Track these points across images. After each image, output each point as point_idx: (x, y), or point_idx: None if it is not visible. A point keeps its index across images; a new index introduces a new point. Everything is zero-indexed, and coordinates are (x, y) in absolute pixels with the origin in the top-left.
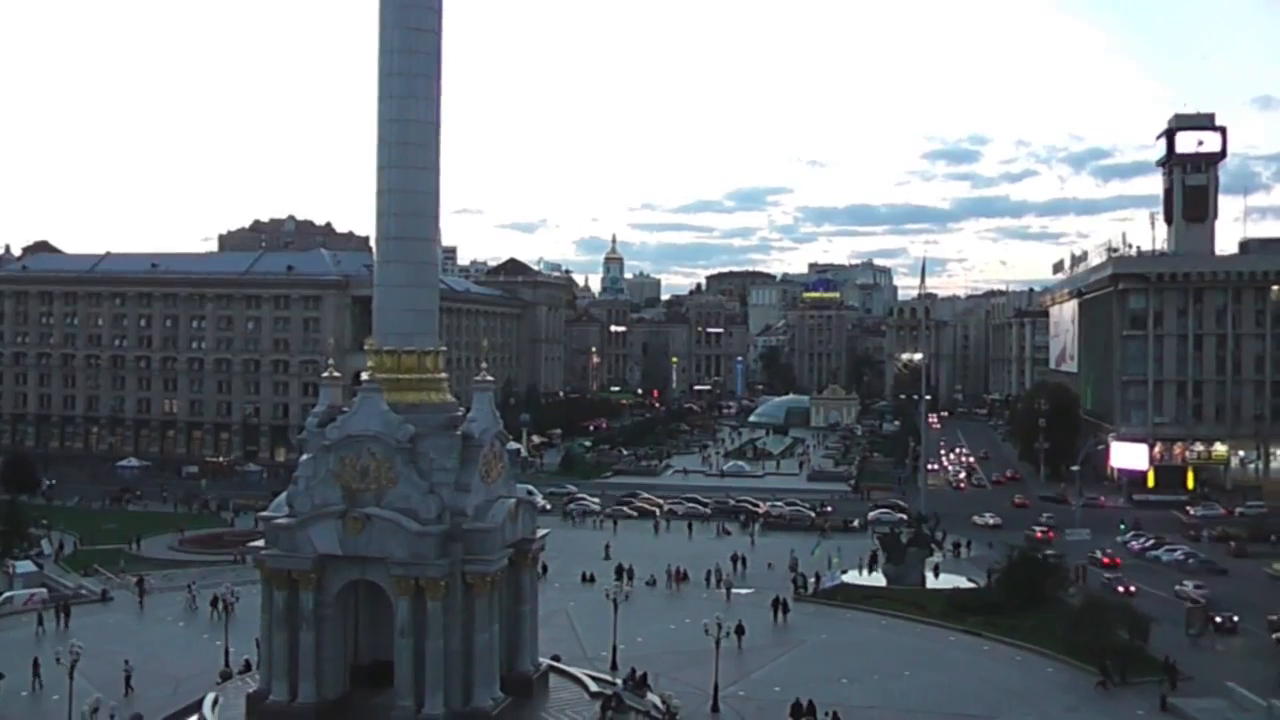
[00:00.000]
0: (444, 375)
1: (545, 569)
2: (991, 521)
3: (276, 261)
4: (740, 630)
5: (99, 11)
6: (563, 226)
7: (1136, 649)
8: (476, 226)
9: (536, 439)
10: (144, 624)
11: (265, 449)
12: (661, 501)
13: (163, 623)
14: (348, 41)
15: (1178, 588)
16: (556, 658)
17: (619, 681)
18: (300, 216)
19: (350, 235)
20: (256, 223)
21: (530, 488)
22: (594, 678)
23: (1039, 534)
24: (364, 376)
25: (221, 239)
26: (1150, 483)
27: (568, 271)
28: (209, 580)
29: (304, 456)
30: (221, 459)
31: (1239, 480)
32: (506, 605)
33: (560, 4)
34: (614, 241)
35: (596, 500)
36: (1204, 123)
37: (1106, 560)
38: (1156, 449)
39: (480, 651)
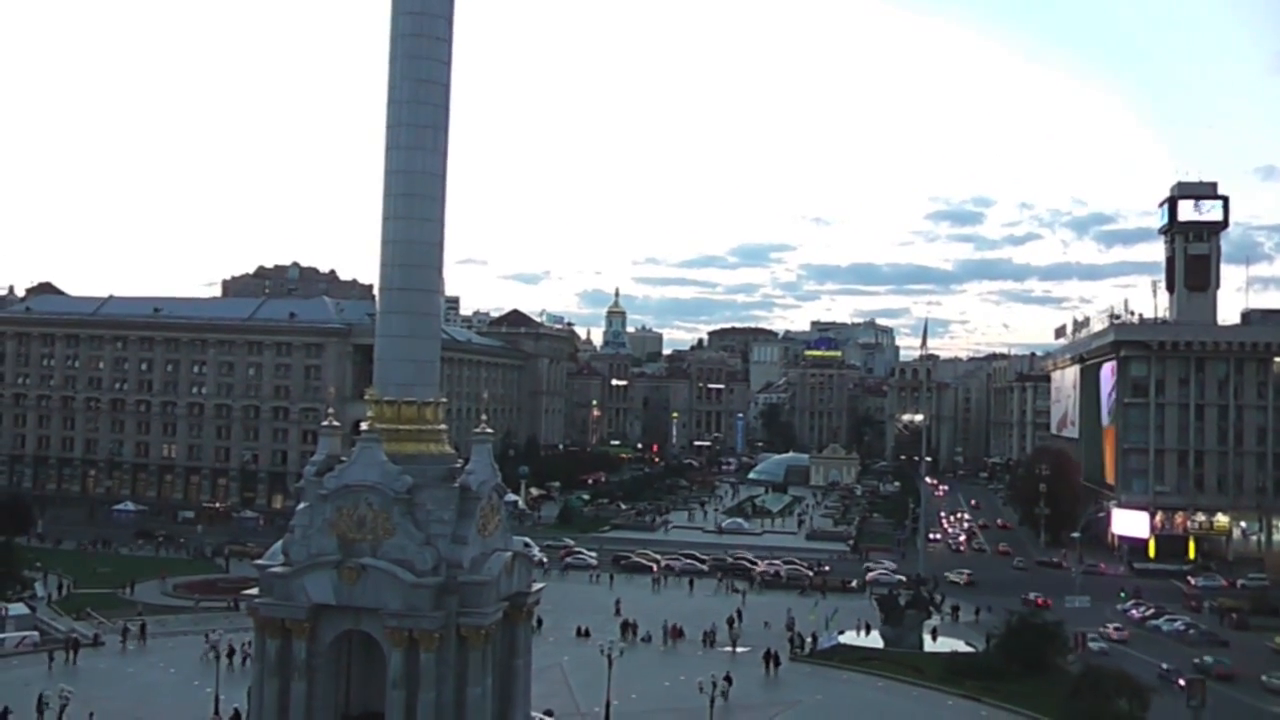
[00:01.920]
0: (443, 426)
1: (540, 623)
2: (964, 579)
3: (279, 308)
4: (729, 680)
5: (105, 54)
6: (566, 278)
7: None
8: (480, 277)
9: (535, 492)
10: (137, 668)
11: (262, 495)
12: (659, 557)
13: (154, 669)
14: (357, 89)
15: (1196, 661)
16: (550, 712)
17: None
18: (304, 263)
19: (354, 283)
20: (260, 268)
21: (527, 540)
22: None
23: (1038, 601)
24: (363, 426)
25: (225, 284)
26: (1151, 552)
27: (570, 324)
28: (202, 627)
29: (301, 505)
30: (218, 504)
31: (1241, 552)
32: (500, 658)
33: (567, 56)
34: (617, 295)
35: (593, 554)
36: (1206, 191)
37: (1115, 637)
38: (1158, 518)
39: (473, 705)
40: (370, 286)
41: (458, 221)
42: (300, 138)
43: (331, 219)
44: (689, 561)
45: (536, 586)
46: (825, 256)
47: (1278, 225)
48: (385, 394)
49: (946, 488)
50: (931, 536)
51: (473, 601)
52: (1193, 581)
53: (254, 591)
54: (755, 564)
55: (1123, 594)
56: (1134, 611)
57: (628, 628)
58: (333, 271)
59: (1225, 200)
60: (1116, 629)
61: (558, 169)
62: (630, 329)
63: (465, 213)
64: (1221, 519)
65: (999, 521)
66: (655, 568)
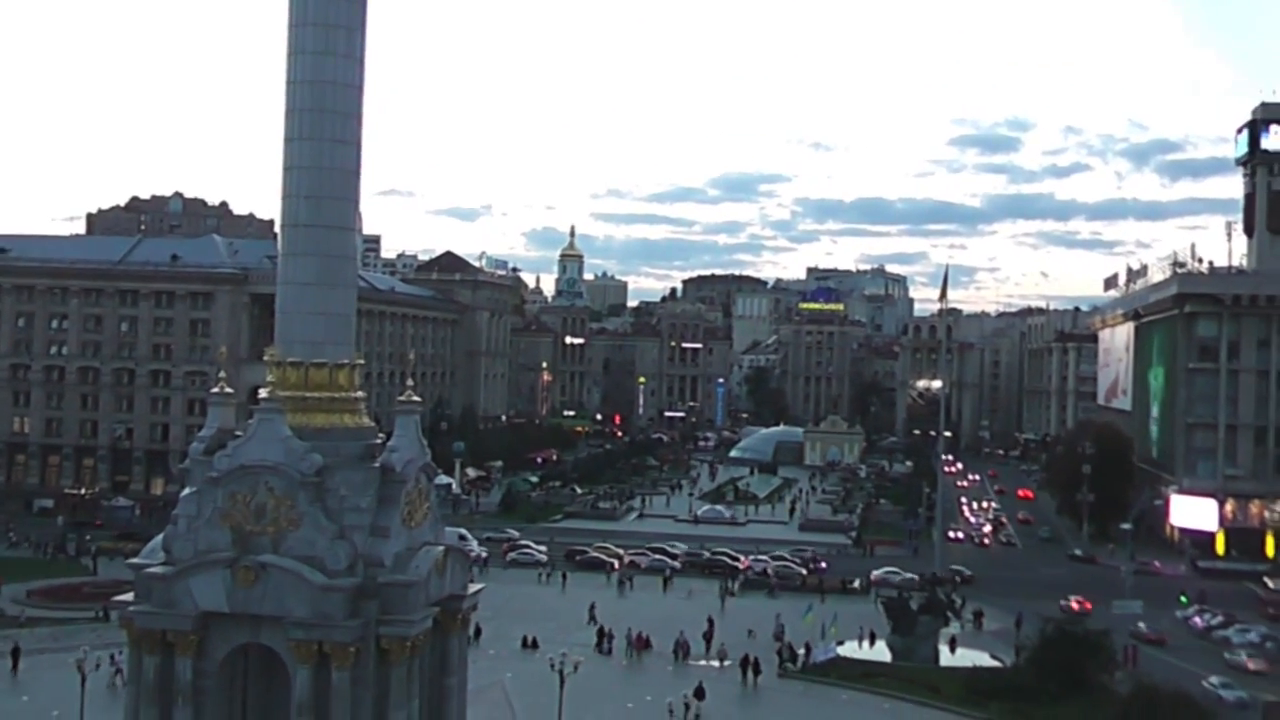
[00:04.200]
0: (361, 394)
1: (479, 632)
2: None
3: (158, 249)
4: (700, 695)
5: None
6: (510, 215)
7: None
8: (406, 212)
9: (472, 473)
10: None
11: (138, 479)
12: (622, 552)
13: (3, 695)
14: None
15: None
16: None
17: None
18: (188, 194)
19: (250, 219)
20: (134, 200)
21: (463, 532)
22: None
23: (1074, 604)
24: (263, 394)
25: (90, 219)
26: (1219, 548)
27: (515, 270)
28: (64, 643)
29: (186, 491)
30: (84, 491)
31: None
32: (429, 676)
33: None
34: (572, 235)
35: (543, 549)
36: None
37: (1152, 637)
38: (1228, 507)
39: None
40: (270, 223)
41: (379, 145)
42: (183, 41)
43: (222, 140)
44: (658, 557)
45: (474, 588)
46: (826, 190)
47: None
48: (289, 354)
49: (968, 470)
50: (951, 529)
51: (396, 607)
52: (1271, 584)
53: (128, 597)
54: (738, 560)
55: (1183, 598)
56: (1197, 619)
57: (603, 636)
58: (224, 204)
59: None
60: (1153, 630)
61: (501, 82)
62: (588, 276)
63: (388, 135)
64: None
65: (1018, 491)
66: (617, 565)
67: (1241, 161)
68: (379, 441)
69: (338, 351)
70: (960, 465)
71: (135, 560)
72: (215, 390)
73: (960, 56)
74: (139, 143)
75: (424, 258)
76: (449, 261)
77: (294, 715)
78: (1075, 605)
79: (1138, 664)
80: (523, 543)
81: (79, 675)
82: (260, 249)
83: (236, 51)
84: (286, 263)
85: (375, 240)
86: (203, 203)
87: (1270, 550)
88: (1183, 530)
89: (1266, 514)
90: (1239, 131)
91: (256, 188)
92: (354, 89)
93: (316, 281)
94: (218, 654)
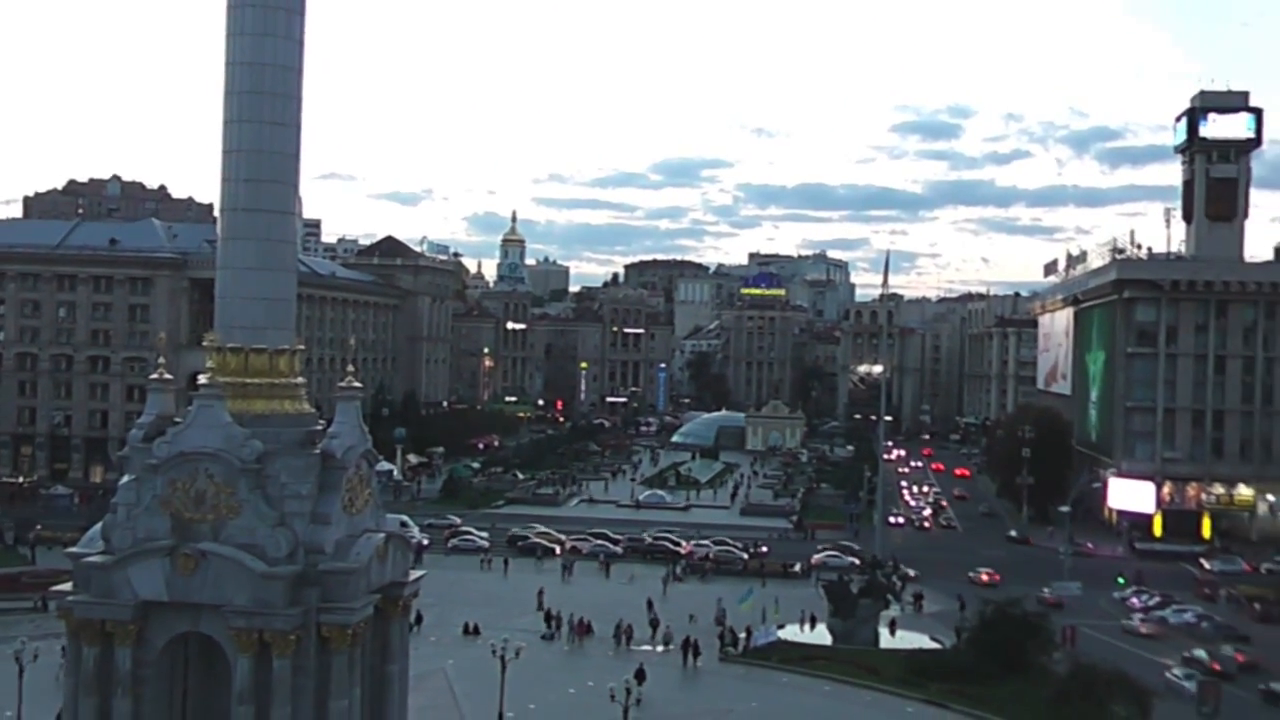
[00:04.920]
0: (301, 380)
1: (420, 619)
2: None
3: (96, 233)
4: (640, 676)
5: None
6: (452, 199)
7: None
8: (347, 196)
9: (413, 459)
10: None
11: (77, 467)
12: (563, 538)
13: None
14: None
15: (1202, 653)
16: None
17: None
18: (126, 177)
19: (189, 202)
20: (72, 183)
21: (404, 519)
22: None
23: (984, 576)
24: (202, 380)
25: (27, 202)
26: (1157, 530)
27: (457, 254)
28: (5, 634)
29: (125, 478)
30: (21, 479)
31: (1268, 530)
32: (371, 664)
33: None
34: (514, 220)
35: (485, 535)
36: (1236, 103)
37: (1051, 601)
38: (1165, 490)
39: None
40: (210, 207)
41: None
42: (121, 22)
43: (161, 123)
44: (600, 543)
45: (415, 575)
46: (767, 175)
47: None
48: (229, 340)
49: (910, 456)
50: (892, 513)
51: (337, 594)
52: (1207, 565)
53: (66, 587)
54: (679, 545)
55: (1121, 579)
56: (1134, 600)
57: (550, 621)
58: (163, 187)
59: (1258, 113)
60: (1225, 655)
61: (442, 66)
62: (530, 261)
63: (329, 118)
64: (1244, 491)
65: (956, 470)
66: (559, 550)
67: (1181, 149)
68: (320, 428)
69: (278, 337)
70: (903, 451)
71: (74, 549)
72: (155, 376)
73: (902, 43)
74: (77, 125)
75: (365, 242)
76: (390, 246)
77: (234, 704)
78: (985, 577)
79: (1076, 645)
80: (464, 529)
81: (16, 666)
82: (200, 233)
83: (176, 33)
84: (226, 247)
85: (315, 224)
86: (141, 186)
87: (1207, 532)
88: (1121, 512)
89: (1203, 496)
90: (1178, 119)
91: (196, 171)
92: (293, 71)
93: (256, 266)
94: (157, 643)
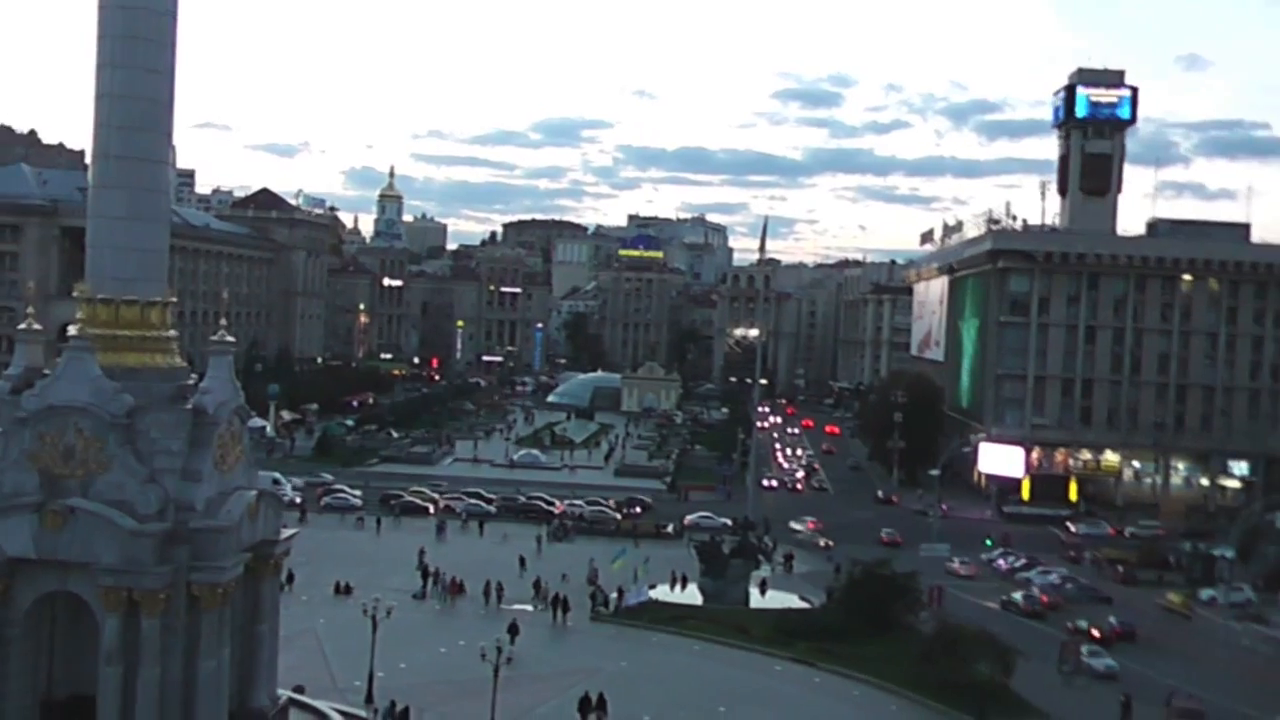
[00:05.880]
0: (173, 333)
1: (291, 578)
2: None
3: None
4: (514, 630)
5: None
6: (329, 152)
7: (999, 686)
8: (221, 146)
9: (287, 416)
10: None
11: None
12: (437, 497)
13: None
14: None
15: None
16: (300, 689)
17: (375, 717)
18: None
19: (60, 148)
20: None
21: (277, 477)
22: (345, 713)
23: (884, 538)
24: (72, 331)
25: None
26: (1025, 494)
27: (333, 209)
28: None
29: None
30: None
31: (1132, 496)
32: (241, 624)
33: None
34: (392, 175)
35: (358, 494)
36: (1111, 80)
37: (1046, 599)
38: (1034, 455)
39: (206, 682)
40: (82, 153)
41: (194, 77)
42: None
43: (30, 65)
44: (474, 502)
45: (287, 533)
46: (648, 138)
47: (1197, 123)
48: (100, 291)
49: (786, 426)
50: (765, 475)
51: (207, 553)
52: (1073, 529)
53: None
54: (553, 504)
55: (988, 541)
56: (1001, 562)
57: (428, 576)
58: (32, 132)
59: (1133, 91)
60: (963, 562)
61: (322, 15)
62: (408, 217)
63: (204, 67)
64: (1110, 458)
65: (826, 427)
66: (433, 509)
67: (1058, 124)
68: (191, 383)
69: (150, 289)
70: (778, 419)
71: None
72: (23, 327)
73: (785, 11)
74: None
75: (240, 194)
76: (265, 199)
77: (102, 664)
78: (885, 539)
79: (942, 604)
80: (337, 487)
81: None
82: (71, 180)
83: None
84: (97, 195)
85: (190, 175)
86: (10, 130)
87: (1073, 496)
88: (990, 477)
89: (1070, 462)
90: (1056, 95)
91: (68, 116)
92: (169, 17)
93: (128, 216)
94: (24, 602)
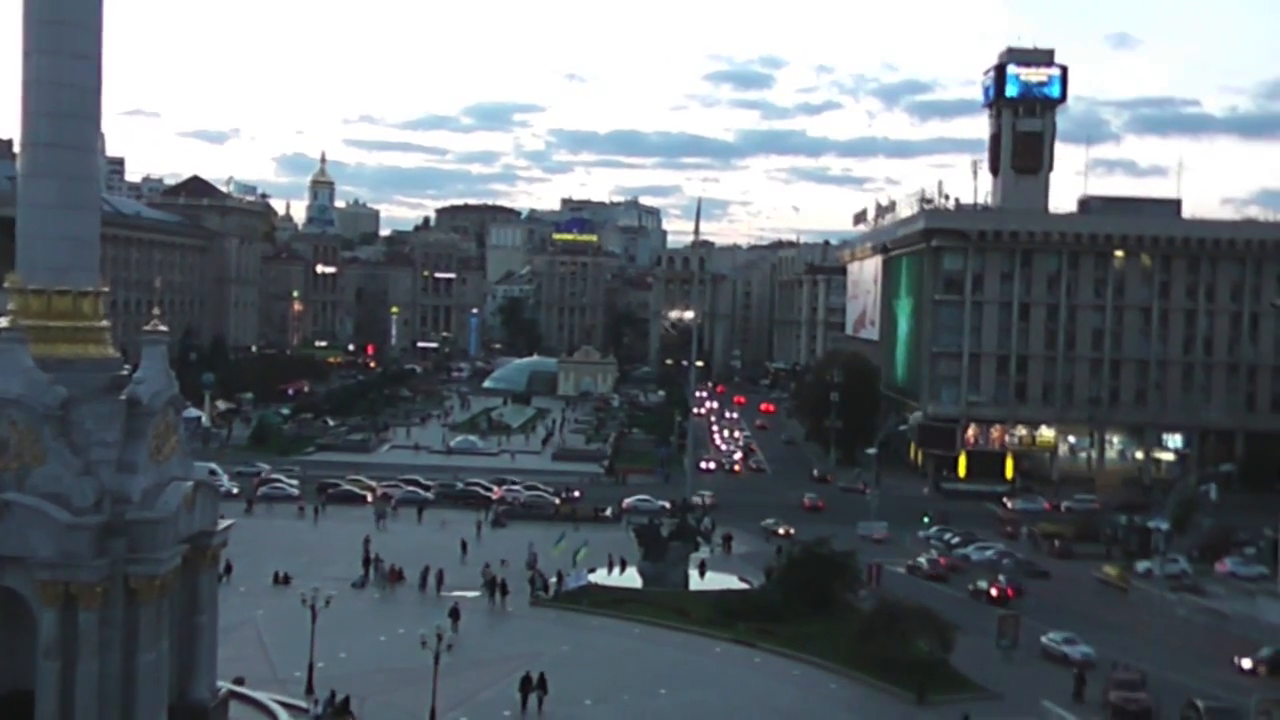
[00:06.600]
0: (106, 323)
1: (229, 569)
2: (707, 500)
3: None
4: (455, 614)
5: None
6: (260, 139)
7: (938, 662)
8: (151, 133)
9: (222, 405)
10: None
11: None
12: (374, 485)
13: None
14: None
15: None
16: (240, 680)
17: (316, 707)
18: None
19: None
20: None
21: (213, 467)
22: (285, 704)
23: (805, 502)
24: (2, 323)
25: None
26: (961, 471)
27: (265, 195)
28: None
29: None
30: None
31: (1067, 471)
32: (179, 615)
33: None
34: (323, 161)
35: (295, 483)
36: (1041, 59)
37: (944, 561)
38: (970, 432)
39: (145, 674)
40: (10, 142)
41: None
42: None
43: None
44: (411, 489)
45: (224, 524)
46: (580, 121)
47: (1127, 100)
48: (30, 281)
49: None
50: (703, 457)
51: (144, 545)
52: (1009, 504)
53: None
54: (491, 490)
55: (926, 518)
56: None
57: (369, 564)
58: None
59: (1064, 70)
60: (931, 559)
61: (251, 1)
62: (340, 203)
63: (132, 52)
64: (1046, 433)
65: (761, 405)
66: (370, 497)
67: (989, 104)
68: (125, 373)
69: (81, 278)
70: (715, 404)
71: None
72: None
73: None
74: None
75: (170, 182)
76: (196, 186)
77: (40, 659)
78: (807, 503)
79: (881, 582)
80: (274, 477)
81: None
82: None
83: None
84: (26, 184)
85: (119, 162)
86: None
87: (1009, 473)
88: (927, 454)
89: (1006, 438)
90: (986, 74)
91: None
92: (95, 2)
93: (58, 204)
94: None
